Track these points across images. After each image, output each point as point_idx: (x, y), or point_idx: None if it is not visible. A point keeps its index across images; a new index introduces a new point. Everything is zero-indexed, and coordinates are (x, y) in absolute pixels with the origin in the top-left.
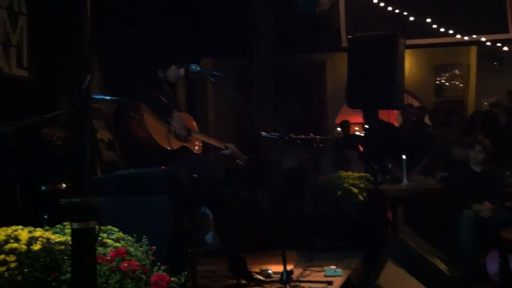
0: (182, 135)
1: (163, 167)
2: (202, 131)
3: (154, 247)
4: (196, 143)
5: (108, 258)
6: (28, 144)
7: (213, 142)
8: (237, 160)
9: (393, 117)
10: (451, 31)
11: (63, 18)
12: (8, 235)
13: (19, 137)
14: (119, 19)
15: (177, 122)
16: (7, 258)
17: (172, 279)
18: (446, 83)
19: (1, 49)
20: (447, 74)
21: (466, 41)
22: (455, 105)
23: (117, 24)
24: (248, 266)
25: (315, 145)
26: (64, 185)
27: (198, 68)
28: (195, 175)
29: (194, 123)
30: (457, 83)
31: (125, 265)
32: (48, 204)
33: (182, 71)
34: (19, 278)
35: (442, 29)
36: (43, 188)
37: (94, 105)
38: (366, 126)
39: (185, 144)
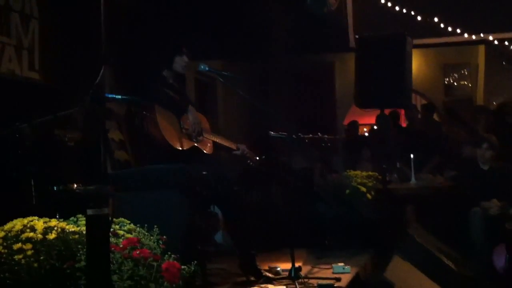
0: (197, 130)
1: None
2: (213, 132)
3: (165, 237)
4: (207, 143)
5: (121, 246)
6: (40, 144)
7: (224, 142)
8: (248, 161)
9: (401, 117)
10: (459, 30)
11: (74, 21)
12: (24, 225)
13: (32, 137)
14: (130, 19)
15: (193, 117)
16: (24, 247)
17: (183, 267)
18: (455, 83)
19: (14, 52)
20: (455, 74)
21: (474, 40)
22: (464, 104)
23: (128, 24)
24: (257, 264)
25: (323, 144)
26: (75, 185)
27: (207, 68)
28: (205, 173)
29: (207, 123)
30: (465, 82)
31: (137, 252)
32: (59, 204)
33: (185, 58)
34: (35, 265)
35: (450, 28)
36: (55, 188)
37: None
38: (375, 127)
39: (196, 144)
